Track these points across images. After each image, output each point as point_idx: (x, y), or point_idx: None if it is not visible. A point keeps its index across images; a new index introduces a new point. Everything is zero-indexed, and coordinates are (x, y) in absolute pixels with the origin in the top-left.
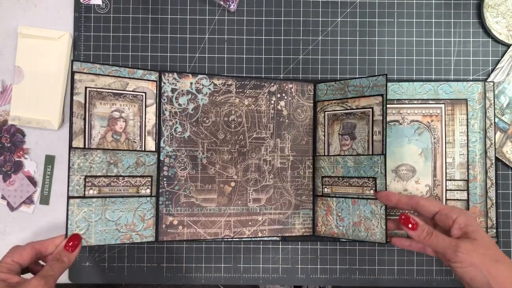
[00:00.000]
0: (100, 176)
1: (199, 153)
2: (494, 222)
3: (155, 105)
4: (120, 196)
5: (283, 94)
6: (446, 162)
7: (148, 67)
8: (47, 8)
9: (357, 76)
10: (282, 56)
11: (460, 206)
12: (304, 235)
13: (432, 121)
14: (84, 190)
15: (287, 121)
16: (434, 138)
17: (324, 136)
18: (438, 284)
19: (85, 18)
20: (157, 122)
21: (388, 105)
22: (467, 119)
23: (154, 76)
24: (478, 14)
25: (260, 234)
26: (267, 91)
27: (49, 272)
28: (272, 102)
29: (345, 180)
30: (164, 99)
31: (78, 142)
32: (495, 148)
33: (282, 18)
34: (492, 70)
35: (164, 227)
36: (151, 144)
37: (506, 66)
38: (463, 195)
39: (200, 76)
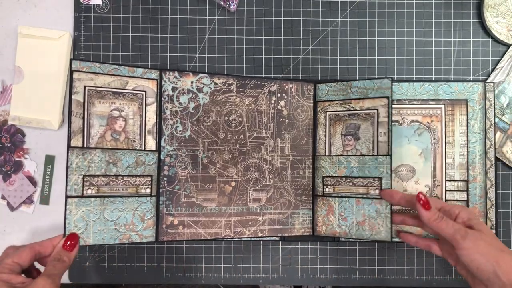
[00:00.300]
0: (98, 176)
1: (200, 153)
2: (494, 222)
3: (155, 104)
4: (119, 195)
5: (283, 94)
6: (446, 163)
7: (148, 67)
8: (47, 8)
9: (361, 77)
10: (282, 56)
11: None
12: (304, 235)
13: (432, 121)
14: (83, 190)
15: (287, 121)
16: (434, 139)
17: (325, 136)
18: (438, 284)
19: (85, 18)
20: (157, 121)
21: None
22: (467, 120)
23: (154, 74)
24: (478, 14)
25: (260, 234)
26: (267, 90)
27: (54, 272)
28: (272, 101)
29: (348, 180)
30: (165, 98)
31: (76, 141)
32: (495, 149)
33: (282, 18)
34: (492, 70)
35: (164, 227)
36: (151, 143)
37: (506, 66)
38: (463, 196)
39: (201, 75)
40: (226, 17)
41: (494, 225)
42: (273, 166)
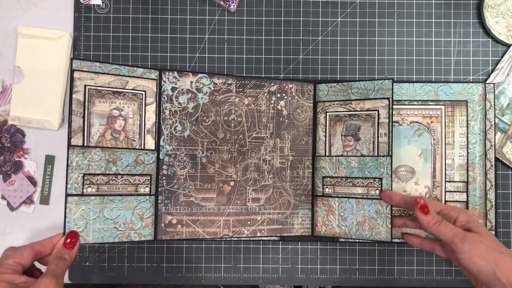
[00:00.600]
0: (98, 174)
1: (199, 152)
2: (493, 224)
3: (155, 103)
4: (118, 194)
5: (283, 94)
6: (445, 164)
7: (148, 67)
8: (47, 8)
9: (361, 77)
10: (282, 56)
11: (459, 207)
12: (303, 235)
13: (432, 122)
14: (82, 188)
15: (286, 121)
16: (434, 140)
17: (325, 137)
18: (438, 284)
19: (85, 18)
20: (157, 120)
21: None
22: (467, 121)
23: (154, 74)
24: (478, 14)
25: (259, 234)
26: (267, 90)
27: (57, 270)
28: (272, 102)
29: (348, 180)
30: (164, 98)
31: (77, 140)
32: (494, 150)
33: (282, 18)
34: (492, 70)
35: (163, 226)
36: (150, 143)
37: (506, 67)
38: (463, 197)
39: (200, 75)
40: (226, 17)
41: (494, 226)
42: (272, 166)
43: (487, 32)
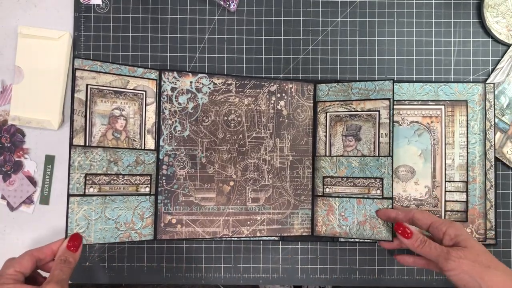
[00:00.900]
0: (100, 174)
1: (198, 152)
2: (493, 224)
3: (155, 103)
4: (120, 194)
5: (283, 94)
6: (445, 164)
7: (148, 67)
8: (47, 8)
9: (361, 77)
10: (282, 56)
11: (459, 207)
12: (303, 235)
13: (432, 122)
14: (85, 188)
15: (286, 121)
16: (434, 140)
17: (325, 137)
18: (438, 284)
19: (85, 18)
20: (156, 120)
21: None
22: (467, 121)
23: (154, 74)
24: (478, 14)
25: (258, 234)
26: (267, 90)
27: (62, 276)
28: (272, 102)
29: (349, 180)
30: (164, 98)
31: (78, 140)
32: (494, 150)
33: (282, 18)
34: (492, 70)
35: (162, 225)
36: (150, 143)
37: (506, 67)
38: (462, 197)
39: (200, 75)
40: (226, 17)
41: (494, 226)
42: (272, 166)
43: (487, 32)
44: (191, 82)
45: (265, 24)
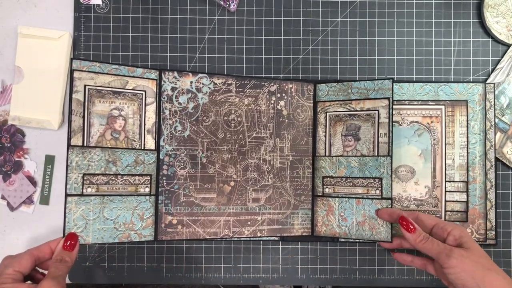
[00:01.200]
0: (98, 174)
1: (199, 152)
2: (493, 224)
3: (155, 103)
4: (118, 194)
5: (283, 94)
6: (445, 164)
7: (148, 67)
8: (47, 8)
9: (361, 77)
10: (282, 56)
11: (459, 207)
12: (303, 235)
13: (432, 122)
14: (82, 188)
15: (286, 121)
16: (434, 140)
17: (325, 137)
18: (438, 284)
19: (85, 18)
20: (157, 120)
21: None
22: (467, 121)
23: (154, 74)
24: (478, 14)
25: (259, 234)
26: (267, 90)
27: (58, 273)
28: (272, 102)
29: (348, 180)
30: (164, 98)
31: (76, 140)
32: (495, 150)
33: (282, 18)
34: (492, 70)
35: (163, 226)
36: (150, 143)
37: (506, 67)
38: (463, 197)
39: (200, 75)
40: (226, 17)
41: (494, 226)
42: (272, 166)
43: (487, 32)
44: (191, 82)
45: (265, 24)
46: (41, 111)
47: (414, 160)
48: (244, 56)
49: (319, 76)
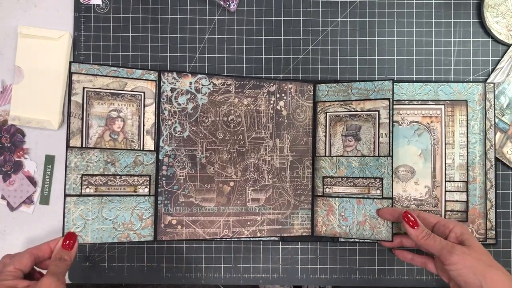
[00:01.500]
0: (97, 175)
1: (198, 153)
2: (493, 223)
3: (154, 104)
4: (117, 194)
5: (283, 94)
6: (445, 163)
7: (148, 67)
8: (47, 8)
9: (361, 77)
10: (282, 56)
11: (459, 207)
12: (303, 235)
13: (432, 122)
14: (81, 189)
15: (286, 121)
16: (434, 139)
17: (325, 137)
18: (438, 284)
19: (85, 18)
20: (156, 121)
21: None
22: (467, 120)
23: (153, 75)
24: (478, 14)
25: (259, 234)
26: (267, 91)
27: (57, 270)
28: (272, 102)
29: (349, 180)
30: (164, 99)
31: (75, 141)
32: (495, 150)
33: (282, 18)
34: (492, 70)
35: (162, 226)
36: (149, 144)
37: (506, 67)
38: (463, 197)
39: (199, 75)
40: (226, 17)
41: (494, 226)
42: (272, 166)
43: (487, 32)
44: (190, 83)
45: (265, 24)
46: (41, 111)
47: (414, 160)
48: (244, 56)
49: (319, 76)
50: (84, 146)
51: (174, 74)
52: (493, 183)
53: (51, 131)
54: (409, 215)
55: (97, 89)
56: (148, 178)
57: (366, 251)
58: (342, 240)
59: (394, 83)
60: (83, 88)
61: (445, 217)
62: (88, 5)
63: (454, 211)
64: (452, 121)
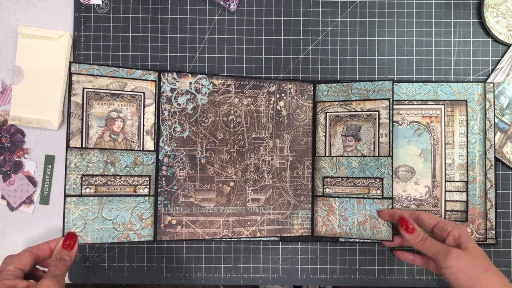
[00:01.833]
0: (96, 175)
1: (198, 153)
2: (493, 223)
3: (154, 104)
4: (116, 195)
5: (282, 94)
6: (445, 163)
7: (148, 67)
8: (47, 8)
9: (361, 77)
10: (282, 56)
11: (459, 207)
12: (303, 235)
13: (431, 122)
14: (81, 189)
15: (286, 121)
16: (434, 139)
17: (325, 137)
18: (438, 284)
19: (85, 18)
20: (156, 121)
21: None
22: (467, 120)
23: (153, 76)
24: (478, 14)
25: (258, 234)
26: (266, 91)
27: (57, 272)
28: (271, 102)
29: (349, 180)
30: (163, 99)
31: (75, 142)
32: (494, 150)
33: (282, 18)
34: (492, 70)
35: (162, 226)
36: (149, 144)
37: (506, 67)
38: (463, 196)
39: (199, 76)
40: (226, 17)
41: (494, 226)
42: (272, 167)
43: (487, 32)
44: (190, 83)
45: (265, 24)
46: (41, 111)
47: (414, 160)
48: (244, 56)
49: (319, 76)
50: (84, 146)
51: (174, 74)
52: (493, 183)
53: (51, 131)
54: (404, 221)
55: (97, 89)
56: (148, 179)
57: (366, 251)
58: (342, 240)
59: (394, 83)
60: (83, 88)
61: (445, 217)
62: (88, 5)
63: (454, 211)
64: (452, 121)
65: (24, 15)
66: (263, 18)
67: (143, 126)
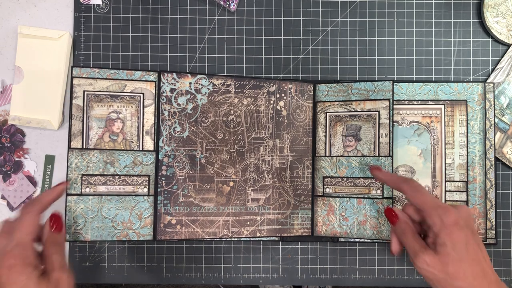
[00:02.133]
0: (96, 175)
1: (198, 153)
2: (494, 223)
3: (153, 105)
4: (115, 194)
5: (282, 94)
6: (445, 163)
7: (148, 67)
8: (47, 8)
9: (361, 77)
10: (282, 56)
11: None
12: (303, 235)
13: (431, 122)
14: (81, 188)
15: (286, 121)
16: (434, 139)
17: (325, 137)
18: None
19: (85, 18)
20: (155, 122)
21: None
22: (467, 120)
23: (153, 76)
24: (478, 14)
25: (258, 234)
26: (266, 91)
27: (61, 261)
28: (271, 102)
29: (349, 180)
30: (163, 99)
31: (76, 143)
32: (494, 149)
33: (282, 18)
34: (492, 70)
35: (162, 226)
36: (149, 144)
37: (506, 66)
38: (463, 196)
39: (199, 76)
40: (226, 17)
41: (494, 226)
42: (272, 167)
43: (487, 32)
44: (190, 83)
45: (265, 24)
46: (41, 111)
47: (413, 160)
48: (244, 56)
49: (319, 76)
50: (84, 147)
51: (174, 75)
52: (493, 183)
53: (51, 131)
54: (390, 211)
55: (97, 92)
56: (147, 178)
57: (366, 251)
58: (342, 240)
59: (394, 83)
60: (84, 91)
61: None
62: (88, 5)
63: None
64: (452, 121)
65: (24, 15)
66: (263, 18)
67: (143, 126)
